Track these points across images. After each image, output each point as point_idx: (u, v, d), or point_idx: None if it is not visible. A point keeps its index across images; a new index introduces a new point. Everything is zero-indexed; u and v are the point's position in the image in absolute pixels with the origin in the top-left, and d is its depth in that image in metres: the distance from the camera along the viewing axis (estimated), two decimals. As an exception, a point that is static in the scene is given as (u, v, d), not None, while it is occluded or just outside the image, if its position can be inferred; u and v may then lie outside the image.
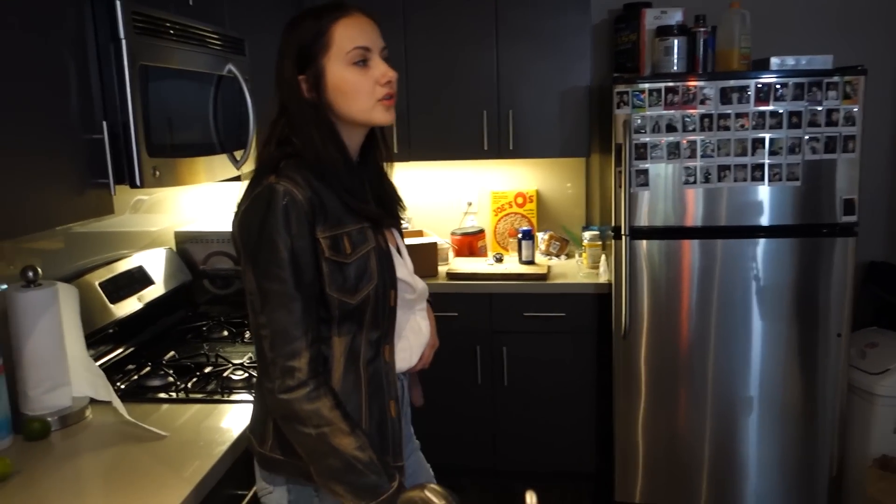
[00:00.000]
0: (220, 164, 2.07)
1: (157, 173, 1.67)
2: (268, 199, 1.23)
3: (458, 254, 3.30)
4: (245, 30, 2.33)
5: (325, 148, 1.30)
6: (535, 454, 3.05)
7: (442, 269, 3.10)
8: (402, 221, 1.53)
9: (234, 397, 1.73)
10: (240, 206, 1.29)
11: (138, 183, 1.61)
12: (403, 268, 1.42)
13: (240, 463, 1.52)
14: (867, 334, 2.94)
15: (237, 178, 2.41)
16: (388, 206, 1.45)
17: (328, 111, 1.31)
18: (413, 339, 1.45)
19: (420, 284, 1.48)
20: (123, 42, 1.56)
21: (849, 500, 2.82)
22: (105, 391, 1.60)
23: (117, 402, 1.58)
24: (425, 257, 3.01)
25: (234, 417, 1.62)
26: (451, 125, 3.09)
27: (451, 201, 3.50)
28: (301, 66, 1.30)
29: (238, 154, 2.12)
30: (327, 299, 1.27)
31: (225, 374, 1.82)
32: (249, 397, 1.72)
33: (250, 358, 1.98)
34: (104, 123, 1.54)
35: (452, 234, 3.34)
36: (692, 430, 2.78)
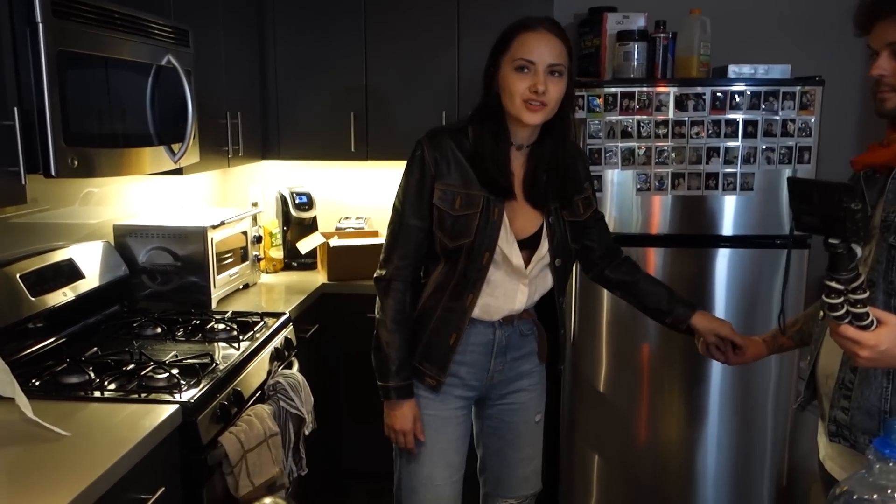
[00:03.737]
0: (156, 156, 2.01)
1: (75, 163, 1.61)
2: (413, 148, 1.71)
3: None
4: (193, 21, 2.28)
5: (482, 125, 1.69)
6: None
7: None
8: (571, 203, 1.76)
9: (152, 396, 1.67)
10: None
11: (53, 172, 1.55)
12: (505, 241, 1.68)
13: (145, 465, 1.47)
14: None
15: (179, 171, 2.35)
16: (537, 187, 1.71)
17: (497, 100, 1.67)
18: (503, 301, 1.73)
19: (518, 261, 1.70)
20: (41, 26, 1.51)
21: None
22: (10, 387, 1.54)
23: (21, 399, 1.52)
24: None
25: (146, 418, 1.56)
26: (408, 128, 3.03)
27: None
28: (493, 59, 1.68)
29: (176, 147, 2.06)
30: (434, 236, 1.69)
31: (145, 373, 1.76)
32: (170, 398, 1.67)
33: (175, 355, 1.92)
34: (16, 109, 1.49)
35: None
36: (651, 442, 2.74)
